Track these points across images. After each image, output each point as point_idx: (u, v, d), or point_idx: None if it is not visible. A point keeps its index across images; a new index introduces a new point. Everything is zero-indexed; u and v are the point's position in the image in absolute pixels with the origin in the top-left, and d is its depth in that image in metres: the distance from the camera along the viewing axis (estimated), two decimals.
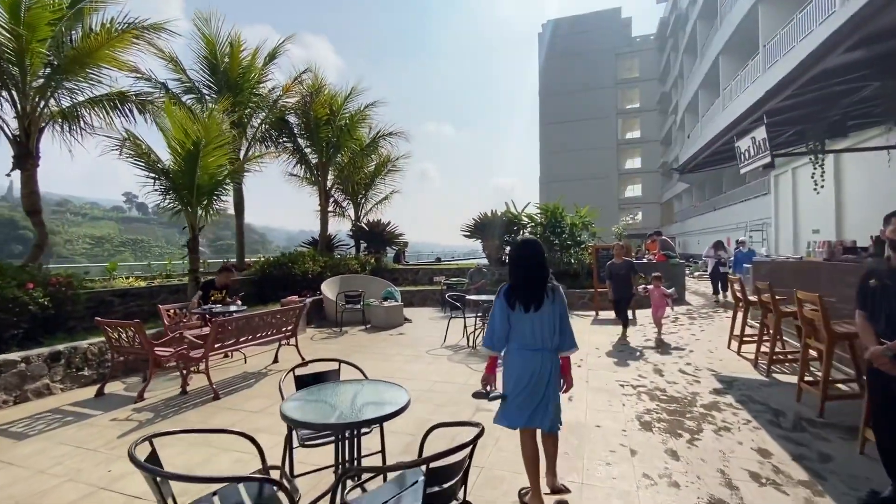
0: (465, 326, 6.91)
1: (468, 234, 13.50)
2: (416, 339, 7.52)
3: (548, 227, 12.27)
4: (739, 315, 6.02)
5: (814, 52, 4.23)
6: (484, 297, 6.60)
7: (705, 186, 29.49)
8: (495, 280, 11.93)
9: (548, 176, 49.90)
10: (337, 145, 11.86)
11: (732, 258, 10.31)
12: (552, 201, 12.78)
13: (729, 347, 6.24)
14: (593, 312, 9.66)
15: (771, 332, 4.93)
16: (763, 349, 5.43)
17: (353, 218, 14.32)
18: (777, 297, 4.92)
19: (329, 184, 12.61)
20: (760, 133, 4.39)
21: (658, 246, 12.63)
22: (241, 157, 10.17)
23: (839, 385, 4.10)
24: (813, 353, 4.22)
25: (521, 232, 13.22)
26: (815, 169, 5.21)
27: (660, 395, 4.44)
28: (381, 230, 13.56)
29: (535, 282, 2.38)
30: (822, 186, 5.44)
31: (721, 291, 10.84)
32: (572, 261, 12.18)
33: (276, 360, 6.10)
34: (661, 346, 6.33)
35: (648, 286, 6.90)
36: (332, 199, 13.77)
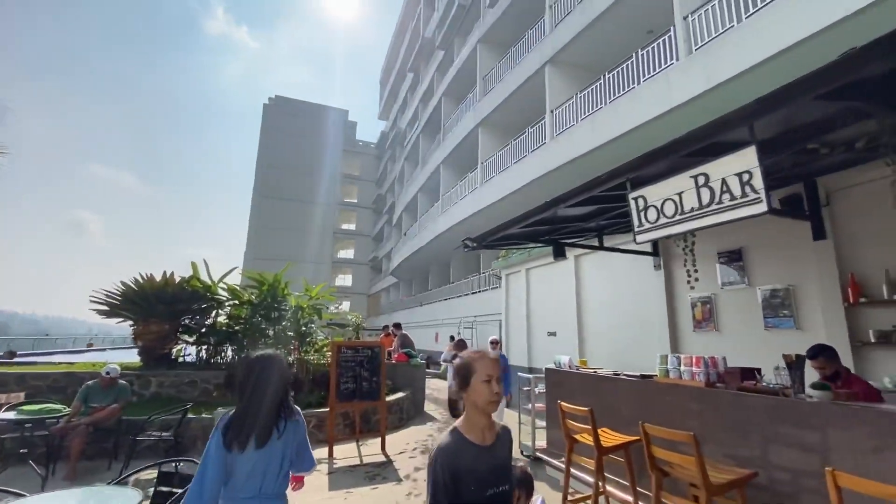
0: None
1: (107, 309, 7.56)
2: None
3: (261, 307, 8.09)
4: (587, 469, 3.81)
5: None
6: None
7: (413, 282, 31.50)
8: (145, 403, 6.59)
9: (256, 251, 43.99)
10: None
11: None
12: (268, 272, 8.78)
13: None
14: (327, 450, 5.88)
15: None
16: None
17: None
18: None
19: None
20: (737, 163, 2.38)
21: (397, 342, 10.37)
22: None
23: None
24: None
25: (216, 312, 8.42)
26: (686, 255, 4.10)
27: None
28: None
29: (261, 413, 1.85)
30: (697, 279, 4.38)
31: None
32: (292, 360, 8.26)
33: None
34: None
35: None
36: None
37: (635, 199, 3.19)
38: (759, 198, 2.41)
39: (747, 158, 2.38)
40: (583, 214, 4.98)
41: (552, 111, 12.39)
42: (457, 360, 1.66)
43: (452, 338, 18.20)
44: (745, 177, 2.43)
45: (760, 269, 4.96)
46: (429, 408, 9.85)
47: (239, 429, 1.81)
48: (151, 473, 2.99)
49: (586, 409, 3.67)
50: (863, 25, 5.30)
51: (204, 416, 6.15)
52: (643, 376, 4.12)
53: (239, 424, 1.82)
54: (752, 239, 5.11)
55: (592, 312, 7.98)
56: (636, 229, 3.31)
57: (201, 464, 1.77)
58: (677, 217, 2.91)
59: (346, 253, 50.54)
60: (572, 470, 3.99)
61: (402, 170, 30.57)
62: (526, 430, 6.30)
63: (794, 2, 6.08)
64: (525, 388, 6.26)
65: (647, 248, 6.55)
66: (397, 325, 10.69)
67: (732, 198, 2.51)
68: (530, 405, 6.11)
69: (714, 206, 2.64)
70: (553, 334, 9.06)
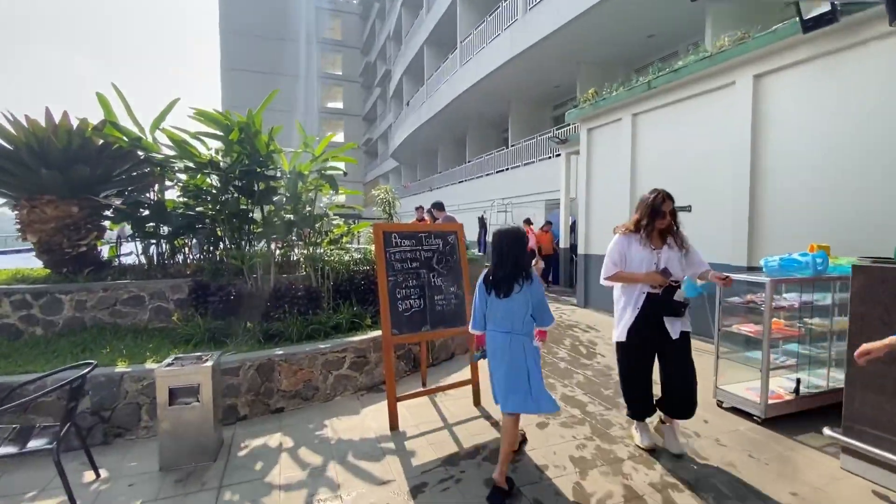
0: None
1: None
2: None
3: (233, 172, 4.77)
4: None
5: None
6: None
7: (417, 166, 27.73)
8: (51, 341, 3.63)
9: None
10: None
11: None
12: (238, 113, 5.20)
13: None
14: (388, 420, 3.15)
15: None
16: None
17: None
18: None
19: None
20: None
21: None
22: None
23: None
24: None
25: (160, 184, 5.10)
26: None
27: None
28: None
29: (506, 271, 2.42)
30: None
31: None
32: (300, 259, 5.22)
33: None
34: None
35: None
36: None
37: None
38: None
39: None
40: None
41: None
42: None
43: (481, 219, 15.06)
44: None
45: None
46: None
47: (491, 281, 2.44)
48: None
49: None
50: None
51: (149, 365, 3.24)
52: None
53: (490, 278, 2.45)
54: None
55: (784, 165, 4.80)
56: None
57: (474, 303, 2.53)
58: None
59: (336, 137, 45.20)
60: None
61: (400, 19, 24.39)
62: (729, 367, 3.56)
63: None
64: (745, 298, 3.35)
65: None
66: (438, 206, 7.48)
67: None
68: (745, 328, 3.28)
69: None
70: (686, 209, 6.01)
